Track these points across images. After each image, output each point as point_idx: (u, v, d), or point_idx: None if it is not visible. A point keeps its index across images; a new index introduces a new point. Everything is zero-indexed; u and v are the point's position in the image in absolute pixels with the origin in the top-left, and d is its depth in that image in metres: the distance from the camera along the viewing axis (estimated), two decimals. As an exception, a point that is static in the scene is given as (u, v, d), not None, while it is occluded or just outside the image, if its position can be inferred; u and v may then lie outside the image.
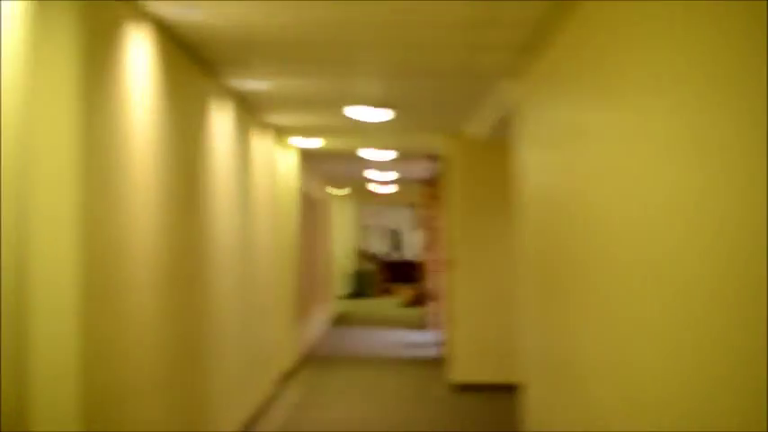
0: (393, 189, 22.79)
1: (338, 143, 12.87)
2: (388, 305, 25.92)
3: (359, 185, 22.23)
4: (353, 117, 10.08)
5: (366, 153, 13.80)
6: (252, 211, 9.87)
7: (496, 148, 11.41)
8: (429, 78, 8.10)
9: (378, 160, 15.16)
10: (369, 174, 18.14)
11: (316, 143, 12.69)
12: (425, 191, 19.38)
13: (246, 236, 9.49)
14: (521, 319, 7.55)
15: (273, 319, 11.52)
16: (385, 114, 9.82)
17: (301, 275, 14.10)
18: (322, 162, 15.88)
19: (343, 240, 27.81)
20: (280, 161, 12.25)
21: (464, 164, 11.70)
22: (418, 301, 24.35)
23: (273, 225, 11.78)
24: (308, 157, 14.55)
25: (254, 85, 8.38)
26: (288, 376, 12.30)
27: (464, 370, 11.70)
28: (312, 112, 10.17)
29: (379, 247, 37.00)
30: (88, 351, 4.51)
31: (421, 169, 16.75)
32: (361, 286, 28.31)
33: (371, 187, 22.32)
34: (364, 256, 30.47)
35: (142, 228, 5.46)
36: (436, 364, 13.94)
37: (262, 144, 10.63)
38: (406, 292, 26.26)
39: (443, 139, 11.89)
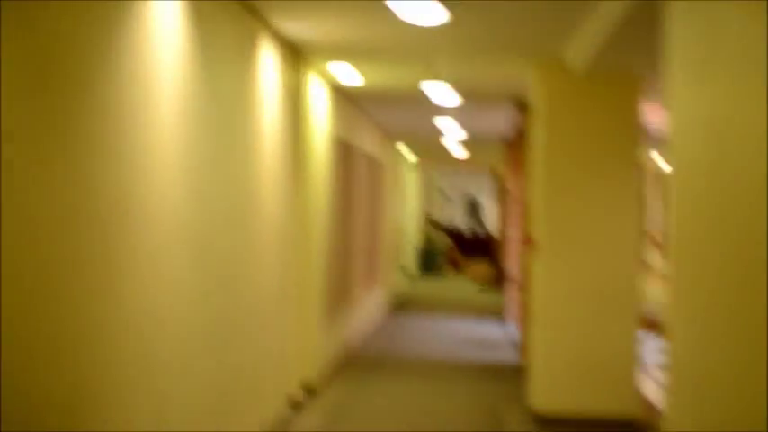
0: (464, 151, 19.43)
1: (382, 73, 9.58)
2: (461, 286, 22.66)
3: (429, 144, 18.92)
4: (400, 17, 6.67)
5: (429, 90, 10.41)
6: (250, 168, 6.74)
7: (609, 82, 8.24)
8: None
9: (445, 105, 11.76)
10: (440, 127, 14.82)
11: (354, 74, 9.47)
12: (505, 152, 16.24)
13: (235, 205, 6.36)
14: (670, 328, 4.57)
15: (286, 319, 8.38)
16: (446, 14, 6.44)
17: (346, 254, 11.05)
18: (375, 107, 12.64)
19: (411, 209, 24.56)
20: (304, 98, 8.95)
21: (555, 107, 8.51)
22: (498, 282, 21.34)
23: (296, 191, 8.63)
24: (354, 99, 11.34)
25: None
26: (311, 393, 9.13)
27: (550, 394, 8.47)
28: (341, 10, 6.89)
29: (456, 218, 33.83)
30: None
31: (500, 122, 13.42)
32: (430, 263, 25.03)
33: (444, 146, 18.89)
34: (434, 226, 27.23)
35: None
36: (515, 375, 10.63)
37: (270, 67, 7.42)
38: (479, 269, 23.03)
39: (526, 64, 8.55)
